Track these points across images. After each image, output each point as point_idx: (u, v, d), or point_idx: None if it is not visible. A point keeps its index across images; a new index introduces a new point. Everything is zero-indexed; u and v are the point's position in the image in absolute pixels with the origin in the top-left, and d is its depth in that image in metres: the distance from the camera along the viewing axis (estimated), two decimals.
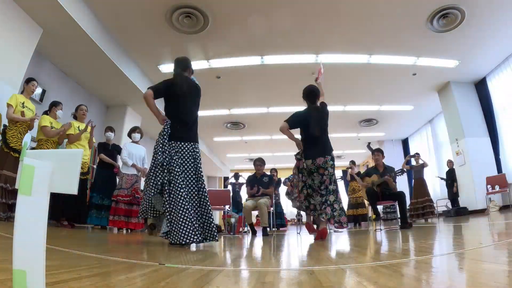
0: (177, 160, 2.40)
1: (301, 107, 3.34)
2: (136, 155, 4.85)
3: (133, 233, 4.40)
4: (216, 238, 2.39)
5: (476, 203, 6.65)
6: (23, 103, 3.69)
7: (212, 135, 10.80)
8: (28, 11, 4.18)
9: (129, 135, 5.03)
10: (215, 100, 7.92)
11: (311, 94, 3.22)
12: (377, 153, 4.84)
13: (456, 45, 5.85)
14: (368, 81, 7.15)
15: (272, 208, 4.83)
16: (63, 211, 4.02)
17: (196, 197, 2.43)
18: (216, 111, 8.65)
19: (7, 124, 3.62)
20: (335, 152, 3.23)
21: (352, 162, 7.33)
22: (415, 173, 7.12)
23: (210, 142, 11.69)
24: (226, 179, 14.80)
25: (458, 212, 6.73)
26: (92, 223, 4.57)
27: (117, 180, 4.79)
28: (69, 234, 3.22)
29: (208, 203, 2.45)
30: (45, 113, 4.24)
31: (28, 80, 3.87)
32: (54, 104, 4.24)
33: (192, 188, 2.43)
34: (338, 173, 9.97)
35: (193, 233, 2.23)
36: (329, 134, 3.16)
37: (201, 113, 2.75)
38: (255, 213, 4.91)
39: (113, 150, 5.01)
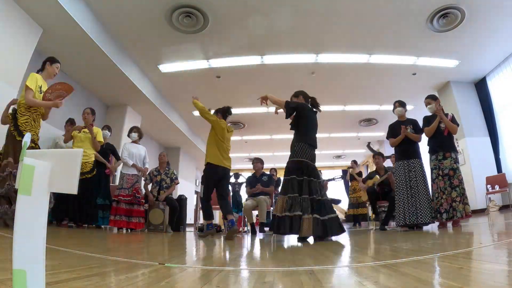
0: None
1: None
2: (136, 155, 4.85)
3: (133, 233, 4.40)
4: None
5: (476, 203, 6.64)
6: (40, 87, 3.01)
7: None
8: (28, 11, 4.18)
9: (129, 135, 5.03)
10: (215, 100, 7.89)
11: None
12: (377, 156, 4.92)
13: (456, 45, 5.85)
14: (368, 81, 7.14)
15: (271, 208, 4.83)
16: (74, 212, 4.01)
17: None
18: None
19: (18, 109, 3.01)
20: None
21: (354, 162, 7.31)
22: None
23: None
24: None
25: None
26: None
27: (117, 180, 4.78)
28: (69, 234, 3.22)
29: None
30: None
31: (52, 61, 3.18)
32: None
33: None
34: (338, 173, 9.96)
35: None
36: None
37: None
38: (255, 212, 4.91)
39: (107, 149, 4.97)
